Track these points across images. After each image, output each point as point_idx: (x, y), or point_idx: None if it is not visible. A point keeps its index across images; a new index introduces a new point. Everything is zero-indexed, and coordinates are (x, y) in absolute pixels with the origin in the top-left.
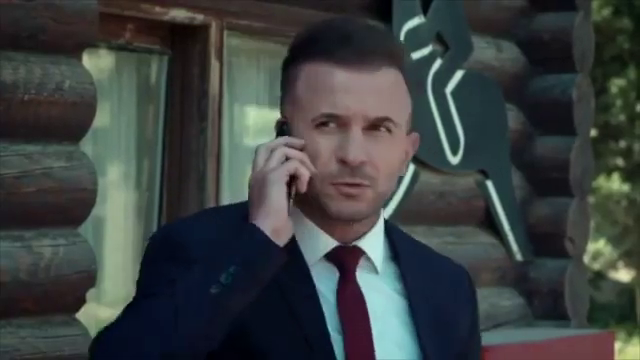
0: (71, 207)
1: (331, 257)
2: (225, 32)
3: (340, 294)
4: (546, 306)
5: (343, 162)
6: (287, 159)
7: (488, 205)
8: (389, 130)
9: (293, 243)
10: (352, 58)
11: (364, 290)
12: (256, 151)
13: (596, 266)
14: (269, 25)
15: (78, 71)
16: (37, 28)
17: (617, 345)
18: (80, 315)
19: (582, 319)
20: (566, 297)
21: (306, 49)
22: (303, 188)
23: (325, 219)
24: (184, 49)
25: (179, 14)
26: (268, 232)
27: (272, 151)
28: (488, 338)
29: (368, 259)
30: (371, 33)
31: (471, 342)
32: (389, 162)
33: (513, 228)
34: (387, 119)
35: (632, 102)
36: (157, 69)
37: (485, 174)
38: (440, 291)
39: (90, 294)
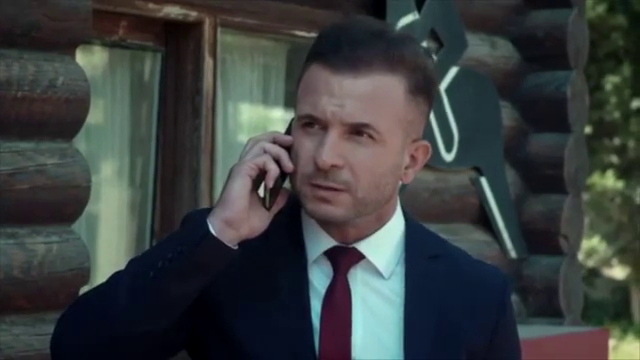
0: (64, 204)
1: (329, 256)
2: (219, 29)
3: (328, 292)
4: (540, 303)
5: (315, 164)
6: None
7: (482, 202)
8: (371, 137)
9: (299, 237)
10: (342, 62)
11: (363, 291)
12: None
13: (590, 263)
14: (263, 22)
15: (71, 68)
16: (31, 25)
17: (611, 342)
18: None
19: (576, 316)
20: (560, 294)
21: (313, 50)
22: (270, 183)
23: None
24: (178, 46)
25: (173, 11)
26: (218, 224)
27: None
28: None
29: (370, 262)
30: (372, 39)
31: (494, 342)
32: (371, 168)
33: (507, 225)
34: (366, 125)
35: (626, 99)
36: (151, 66)
37: (479, 171)
38: (452, 294)
39: (83, 291)
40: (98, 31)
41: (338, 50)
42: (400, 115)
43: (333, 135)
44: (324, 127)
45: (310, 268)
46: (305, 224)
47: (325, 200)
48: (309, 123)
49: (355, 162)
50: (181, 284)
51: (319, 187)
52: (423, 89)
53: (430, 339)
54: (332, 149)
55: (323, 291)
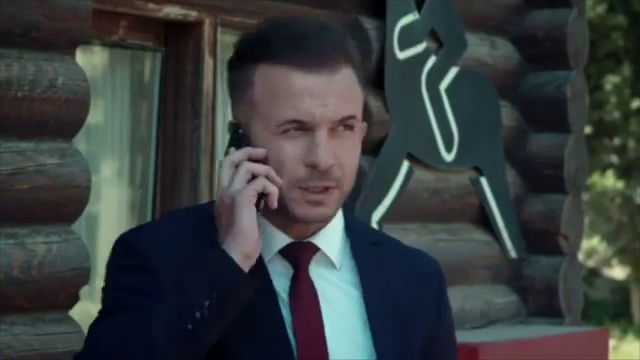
0: (64, 204)
1: (285, 254)
2: (219, 29)
3: (293, 291)
4: (540, 303)
5: (312, 167)
6: (253, 175)
7: (482, 202)
8: (351, 127)
9: None
10: (309, 60)
11: (321, 285)
12: (220, 165)
13: (590, 263)
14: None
15: (71, 68)
16: (30, 25)
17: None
18: (73, 312)
19: (576, 316)
20: (560, 294)
21: (259, 50)
22: (274, 205)
23: (285, 220)
24: (178, 46)
25: (173, 11)
26: (239, 259)
27: (237, 166)
28: (482, 335)
29: (324, 254)
30: (325, 33)
31: (439, 329)
32: (353, 159)
33: (507, 225)
34: (351, 117)
35: (626, 99)
36: (150, 66)
37: (479, 171)
38: (401, 282)
39: (83, 291)
40: (98, 31)
41: (300, 47)
42: (361, 102)
43: (323, 135)
44: (308, 129)
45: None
46: None
47: (318, 203)
48: (289, 128)
49: (342, 157)
50: (219, 328)
51: (312, 189)
52: (362, 75)
53: (392, 328)
54: (327, 149)
55: (283, 291)
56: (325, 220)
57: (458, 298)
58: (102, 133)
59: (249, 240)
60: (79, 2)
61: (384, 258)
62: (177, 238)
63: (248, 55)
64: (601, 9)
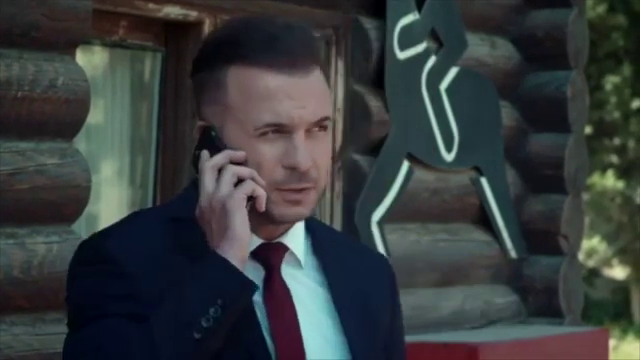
0: (64, 204)
1: (256, 255)
2: None
3: (267, 292)
4: (540, 303)
5: (291, 169)
6: (238, 179)
7: (482, 202)
8: (325, 128)
9: None
10: (283, 62)
11: (290, 284)
12: (201, 171)
13: (591, 263)
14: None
15: (71, 68)
16: (30, 25)
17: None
18: None
19: (576, 316)
20: (560, 294)
21: (230, 52)
22: (262, 207)
23: (258, 221)
24: (178, 46)
25: (173, 11)
26: (237, 264)
27: (219, 170)
28: (482, 335)
29: (292, 254)
30: (295, 33)
31: (393, 325)
32: (328, 159)
33: (507, 225)
34: (326, 118)
35: (627, 99)
36: (151, 66)
37: (479, 171)
38: (361, 279)
39: None
40: (98, 31)
41: (273, 48)
42: (331, 102)
43: (301, 137)
44: (286, 131)
45: None
46: None
47: (296, 202)
48: (267, 131)
49: (318, 158)
50: (223, 334)
51: (292, 191)
52: (327, 73)
53: (363, 327)
54: (306, 151)
55: (256, 293)
56: (301, 219)
57: (458, 298)
58: (102, 133)
59: (244, 244)
60: (79, 2)
61: (344, 256)
62: (147, 241)
63: (218, 56)
64: (601, 9)
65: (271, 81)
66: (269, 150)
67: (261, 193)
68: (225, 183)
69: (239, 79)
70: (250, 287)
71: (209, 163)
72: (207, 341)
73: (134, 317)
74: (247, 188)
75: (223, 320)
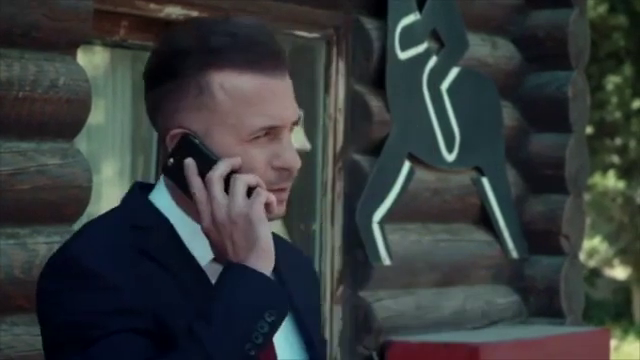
0: (65, 204)
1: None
2: None
3: None
4: (541, 304)
5: (282, 170)
6: (249, 188)
7: (483, 202)
8: (293, 127)
9: (183, 248)
10: (267, 63)
11: None
12: (209, 182)
13: (592, 263)
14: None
15: (72, 68)
16: (31, 25)
17: (613, 342)
18: None
19: (577, 316)
20: (561, 295)
21: (208, 57)
22: (274, 212)
23: None
24: None
25: (174, 11)
26: (270, 273)
27: (229, 181)
28: (483, 336)
29: None
30: (267, 33)
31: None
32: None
33: (508, 225)
34: (299, 117)
35: (628, 99)
36: None
37: (480, 171)
38: (301, 278)
39: None
40: (99, 31)
41: (253, 52)
42: None
43: (289, 137)
44: (275, 133)
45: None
46: (182, 231)
47: (281, 201)
48: (261, 135)
49: None
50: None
51: (279, 190)
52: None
53: (314, 324)
54: (293, 150)
55: None
56: (280, 218)
57: (459, 298)
58: (103, 133)
59: (272, 255)
60: (80, 2)
61: (284, 254)
62: (116, 250)
63: (193, 64)
64: (602, 9)
65: (266, 85)
66: (259, 153)
67: (273, 199)
68: (239, 194)
69: (226, 83)
70: (287, 298)
71: (215, 174)
72: (257, 355)
73: (139, 332)
74: (263, 197)
75: (271, 335)
